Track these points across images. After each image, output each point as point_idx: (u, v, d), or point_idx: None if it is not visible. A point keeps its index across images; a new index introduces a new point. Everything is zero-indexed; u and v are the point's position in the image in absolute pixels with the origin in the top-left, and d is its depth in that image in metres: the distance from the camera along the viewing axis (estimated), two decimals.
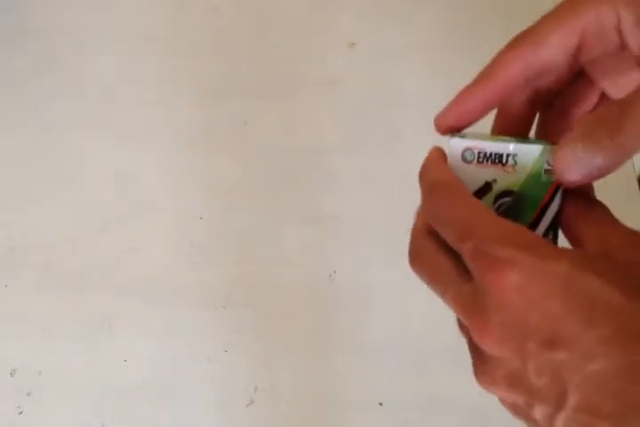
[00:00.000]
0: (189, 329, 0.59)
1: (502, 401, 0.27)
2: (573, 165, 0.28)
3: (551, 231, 0.31)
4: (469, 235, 0.27)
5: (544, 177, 0.30)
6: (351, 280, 0.60)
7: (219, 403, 0.56)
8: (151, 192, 0.66)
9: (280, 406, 0.56)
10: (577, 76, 0.32)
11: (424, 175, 0.31)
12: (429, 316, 0.57)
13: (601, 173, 0.27)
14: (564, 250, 0.26)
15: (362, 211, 0.63)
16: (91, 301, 0.60)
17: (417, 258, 0.30)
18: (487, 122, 0.34)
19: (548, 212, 0.31)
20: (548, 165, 0.30)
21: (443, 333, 0.58)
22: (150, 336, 0.59)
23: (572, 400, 0.24)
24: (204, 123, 0.69)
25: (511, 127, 0.34)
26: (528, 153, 0.30)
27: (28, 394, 0.56)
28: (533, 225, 0.31)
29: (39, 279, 0.61)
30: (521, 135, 0.33)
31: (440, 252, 0.29)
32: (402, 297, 0.58)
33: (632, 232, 0.28)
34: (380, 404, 0.56)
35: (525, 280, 0.25)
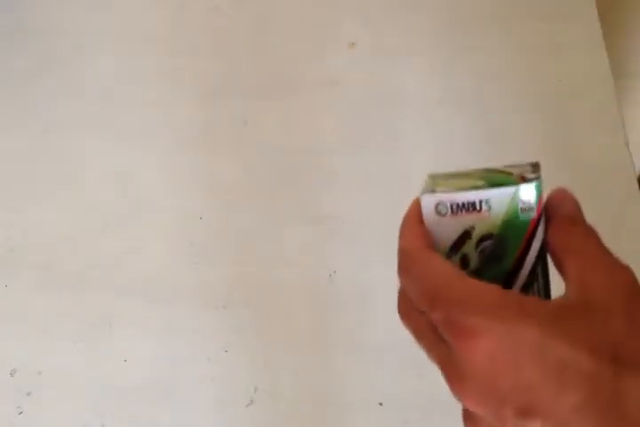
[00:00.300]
0: (189, 329, 0.59)
1: None
2: None
3: (540, 264, 0.31)
4: (438, 304, 0.27)
5: (521, 216, 0.30)
6: (351, 280, 0.60)
7: (219, 403, 0.56)
8: (151, 192, 0.66)
9: (280, 406, 0.56)
10: None
11: (400, 238, 0.32)
12: None
13: None
14: (533, 310, 0.26)
15: (362, 211, 0.63)
16: (91, 301, 0.60)
17: (403, 317, 0.31)
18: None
19: (532, 248, 0.31)
20: (524, 203, 0.30)
21: None
22: (150, 336, 0.59)
23: None
24: (204, 123, 0.69)
25: None
26: (501, 197, 0.30)
27: (28, 394, 0.56)
28: (519, 263, 0.31)
29: (39, 279, 0.61)
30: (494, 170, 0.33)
31: (421, 315, 0.29)
32: None
33: (612, 265, 0.28)
34: (380, 404, 0.56)
35: (496, 349, 0.25)
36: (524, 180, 0.30)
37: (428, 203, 0.31)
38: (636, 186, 0.63)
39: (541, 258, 0.31)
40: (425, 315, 0.29)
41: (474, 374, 0.26)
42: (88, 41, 0.74)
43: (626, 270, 0.27)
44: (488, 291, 0.27)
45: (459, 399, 0.27)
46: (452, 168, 0.34)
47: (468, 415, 0.28)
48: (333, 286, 0.60)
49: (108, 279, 0.61)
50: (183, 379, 0.57)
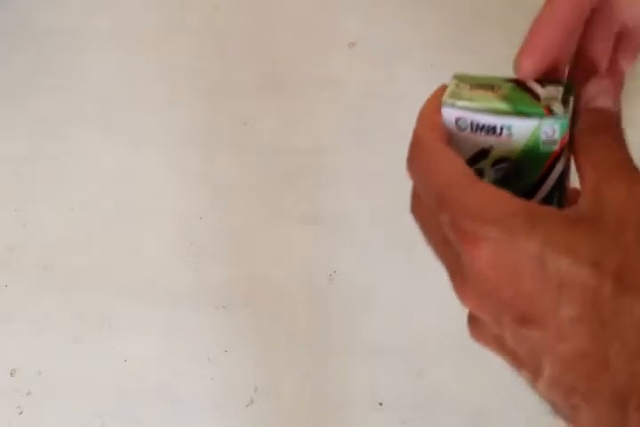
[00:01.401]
0: (189, 329, 0.59)
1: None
2: None
3: (557, 189, 0.30)
4: (445, 206, 0.27)
5: (543, 147, 0.29)
6: (351, 280, 0.60)
7: (219, 403, 0.56)
8: (151, 192, 0.66)
9: (280, 406, 0.56)
10: None
11: (417, 123, 0.31)
12: (430, 315, 0.57)
13: None
14: (540, 220, 0.25)
15: (362, 211, 0.63)
16: (91, 301, 0.60)
17: (415, 214, 0.30)
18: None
19: (550, 177, 0.29)
20: (547, 136, 0.28)
21: (443, 332, 0.58)
22: (150, 336, 0.59)
23: (547, 373, 0.25)
24: (203, 123, 0.69)
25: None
26: (523, 127, 0.28)
27: (28, 394, 0.56)
28: (535, 188, 0.30)
29: (39, 279, 0.61)
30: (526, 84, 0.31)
31: (431, 214, 0.28)
32: (402, 297, 0.58)
33: (634, 180, 0.26)
34: (380, 404, 0.56)
35: (497, 258, 0.25)
36: (550, 112, 0.28)
37: (449, 115, 0.30)
38: None
39: (560, 183, 0.30)
40: (434, 214, 0.28)
41: (476, 280, 0.26)
42: (88, 41, 0.74)
43: None
44: (497, 197, 0.26)
45: (461, 302, 0.27)
46: None
47: (472, 319, 0.28)
48: (333, 285, 0.60)
49: (108, 279, 0.61)
50: (183, 379, 0.57)
